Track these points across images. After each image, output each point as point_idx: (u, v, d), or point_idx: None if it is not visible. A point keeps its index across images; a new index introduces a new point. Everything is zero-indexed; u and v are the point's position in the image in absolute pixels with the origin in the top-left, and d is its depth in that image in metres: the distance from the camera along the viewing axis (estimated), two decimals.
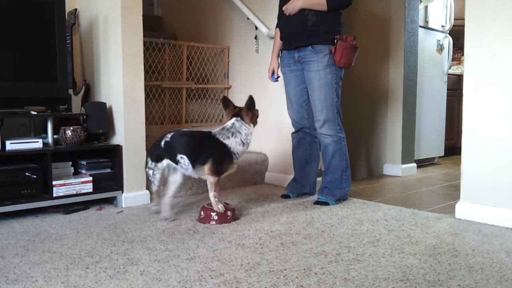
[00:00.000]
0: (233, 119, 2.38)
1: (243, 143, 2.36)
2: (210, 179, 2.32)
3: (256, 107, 2.43)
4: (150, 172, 2.41)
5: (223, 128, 2.38)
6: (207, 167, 2.30)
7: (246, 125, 2.37)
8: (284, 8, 2.72)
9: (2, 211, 2.35)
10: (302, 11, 2.66)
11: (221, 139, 2.33)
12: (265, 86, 3.41)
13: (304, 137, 2.89)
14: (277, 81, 2.96)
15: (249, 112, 2.39)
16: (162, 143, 2.37)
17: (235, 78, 3.76)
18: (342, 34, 2.66)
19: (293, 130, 2.95)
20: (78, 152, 2.73)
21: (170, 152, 2.36)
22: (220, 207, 2.33)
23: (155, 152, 2.39)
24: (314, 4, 2.62)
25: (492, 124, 2.34)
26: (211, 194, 2.34)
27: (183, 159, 2.32)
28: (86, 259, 1.82)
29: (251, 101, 2.38)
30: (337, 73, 2.67)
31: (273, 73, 2.94)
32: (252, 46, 3.54)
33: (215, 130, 2.41)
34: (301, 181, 2.94)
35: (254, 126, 2.42)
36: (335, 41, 2.61)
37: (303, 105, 2.82)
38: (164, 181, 2.45)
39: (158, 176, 2.39)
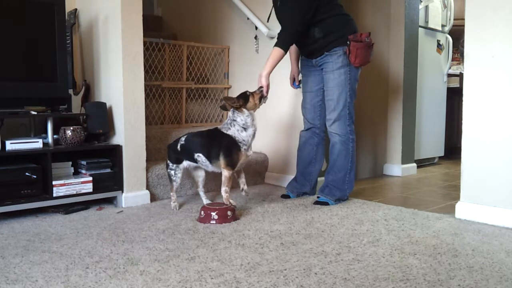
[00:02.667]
0: (230, 112, 2.52)
1: (244, 128, 2.47)
2: (225, 173, 2.48)
3: (258, 88, 2.54)
4: (172, 172, 2.63)
5: (224, 123, 2.54)
6: (221, 162, 2.46)
7: (238, 112, 2.47)
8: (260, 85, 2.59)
9: (2, 211, 2.35)
10: (309, 33, 2.65)
11: (225, 132, 2.48)
12: None
13: (312, 136, 2.89)
14: (300, 87, 2.96)
15: (239, 100, 2.47)
16: (178, 147, 2.60)
17: (235, 78, 3.76)
18: (354, 31, 2.66)
19: (295, 129, 2.94)
20: (78, 152, 2.72)
21: (187, 154, 2.59)
22: (231, 202, 2.48)
23: (173, 155, 2.63)
24: (276, 59, 2.56)
25: (492, 124, 2.34)
26: (223, 189, 2.49)
27: (200, 157, 2.54)
28: (86, 259, 1.82)
29: (240, 94, 2.50)
30: (351, 73, 2.68)
31: (293, 80, 2.95)
32: (252, 46, 3.54)
33: (220, 125, 2.58)
34: (301, 180, 2.94)
35: (249, 108, 2.48)
36: (348, 42, 2.61)
37: (316, 106, 2.83)
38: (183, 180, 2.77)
39: (179, 175, 2.63)
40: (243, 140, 2.47)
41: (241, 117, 2.47)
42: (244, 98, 2.48)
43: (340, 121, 2.70)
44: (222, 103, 2.59)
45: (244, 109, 2.47)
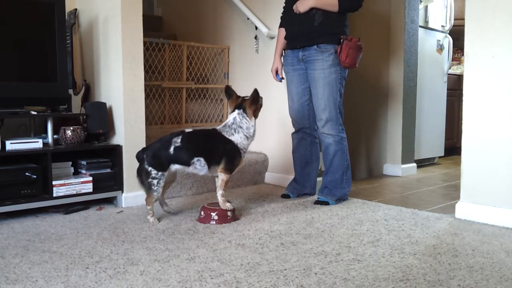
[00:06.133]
0: (235, 113, 2.38)
1: (247, 137, 2.37)
2: (223, 177, 2.34)
3: (260, 97, 2.45)
4: (155, 181, 2.29)
5: (225, 125, 2.39)
6: (221, 166, 2.34)
7: (247, 118, 2.37)
8: (294, 6, 2.71)
9: (2, 211, 2.35)
10: (309, 11, 2.65)
11: (227, 136, 2.35)
12: (265, 86, 3.41)
13: (304, 137, 2.89)
14: (281, 81, 2.96)
15: (253, 105, 2.38)
16: (172, 149, 2.30)
17: (235, 78, 3.76)
18: (347, 34, 2.67)
19: (293, 130, 2.95)
20: (78, 152, 2.72)
21: (182, 157, 2.32)
22: (228, 205, 2.37)
23: (160, 161, 2.30)
24: (325, 4, 2.62)
25: (492, 124, 2.34)
26: (219, 193, 2.36)
27: (200, 161, 2.32)
28: (86, 259, 1.82)
29: (256, 94, 2.38)
30: (341, 73, 2.68)
31: (277, 72, 2.94)
32: (252, 46, 3.54)
33: (218, 126, 2.42)
34: (301, 181, 2.94)
35: (256, 117, 2.42)
36: (341, 40, 2.62)
37: (304, 105, 2.83)
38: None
39: (162, 184, 2.32)
40: (244, 148, 2.37)
41: (248, 125, 2.36)
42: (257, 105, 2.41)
43: (332, 121, 2.70)
44: (228, 89, 2.46)
45: (253, 117, 2.38)
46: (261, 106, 2.47)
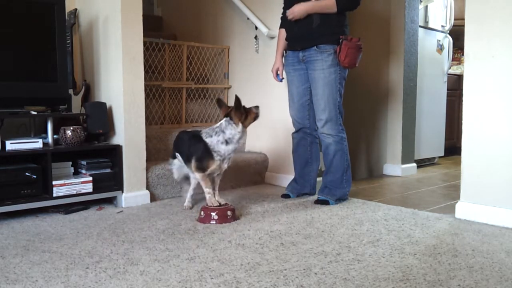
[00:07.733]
0: (223, 119, 2.43)
1: (227, 142, 2.39)
2: (197, 175, 2.46)
3: (255, 106, 2.46)
4: (170, 166, 2.75)
5: (211, 128, 2.47)
6: (192, 165, 2.44)
7: (233, 125, 2.39)
8: (288, 12, 2.71)
9: (2, 211, 2.35)
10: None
11: (204, 138, 2.42)
12: (265, 86, 3.42)
13: (304, 137, 2.89)
14: (281, 81, 2.96)
15: (237, 112, 2.39)
16: (174, 142, 2.70)
17: (235, 78, 3.76)
18: (347, 34, 2.67)
19: (293, 130, 2.95)
20: (78, 152, 2.72)
21: (174, 150, 2.67)
22: (213, 201, 2.42)
23: (173, 150, 2.70)
24: (322, 7, 2.62)
25: (492, 124, 2.34)
26: (205, 190, 2.45)
27: (179, 156, 2.61)
28: (86, 259, 1.82)
29: (237, 102, 2.38)
30: (341, 73, 2.68)
31: (277, 73, 2.94)
32: (252, 46, 3.54)
33: (206, 129, 2.50)
34: (301, 181, 2.94)
35: (245, 126, 2.41)
36: (340, 41, 2.62)
37: (305, 105, 2.83)
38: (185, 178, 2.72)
39: (174, 169, 2.69)
40: (219, 151, 2.38)
41: (231, 131, 2.38)
42: (246, 113, 2.40)
43: (332, 121, 2.70)
44: (219, 101, 2.50)
45: (240, 124, 2.38)
46: (255, 115, 2.45)
